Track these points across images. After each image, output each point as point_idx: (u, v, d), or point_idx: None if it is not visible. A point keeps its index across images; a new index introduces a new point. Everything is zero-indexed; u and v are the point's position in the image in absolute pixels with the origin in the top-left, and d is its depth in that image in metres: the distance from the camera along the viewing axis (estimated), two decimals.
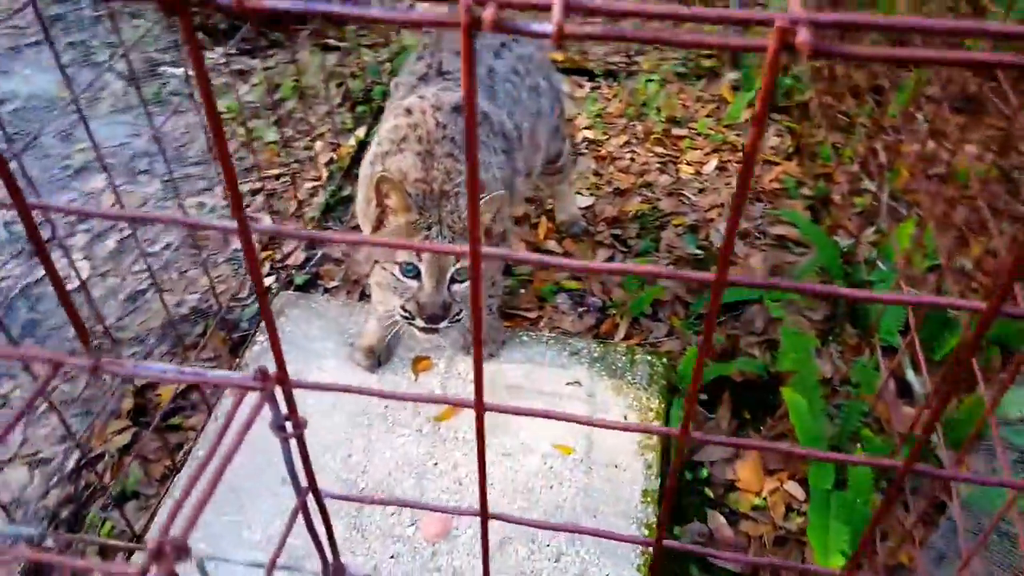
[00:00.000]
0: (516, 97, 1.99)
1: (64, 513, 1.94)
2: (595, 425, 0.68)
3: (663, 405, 2.02)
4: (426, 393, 2.03)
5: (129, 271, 2.56)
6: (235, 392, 0.61)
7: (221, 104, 3.26)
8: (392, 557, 1.71)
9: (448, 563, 1.70)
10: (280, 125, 3.13)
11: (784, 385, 1.93)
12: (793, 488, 1.90)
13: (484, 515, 0.78)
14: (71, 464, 2.05)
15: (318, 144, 3.00)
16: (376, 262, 1.72)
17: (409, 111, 1.81)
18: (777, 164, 2.91)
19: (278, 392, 0.66)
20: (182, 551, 0.52)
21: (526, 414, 0.69)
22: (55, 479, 2.01)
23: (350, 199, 2.76)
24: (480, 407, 0.69)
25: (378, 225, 1.70)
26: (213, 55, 3.57)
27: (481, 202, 1.64)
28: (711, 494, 1.92)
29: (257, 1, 0.40)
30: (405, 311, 1.70)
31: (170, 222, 0.56)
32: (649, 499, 1.82)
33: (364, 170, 1.88)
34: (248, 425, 0.59)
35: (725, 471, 1.97)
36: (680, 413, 2.02)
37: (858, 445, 1.84)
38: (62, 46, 3.61)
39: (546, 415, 0.71)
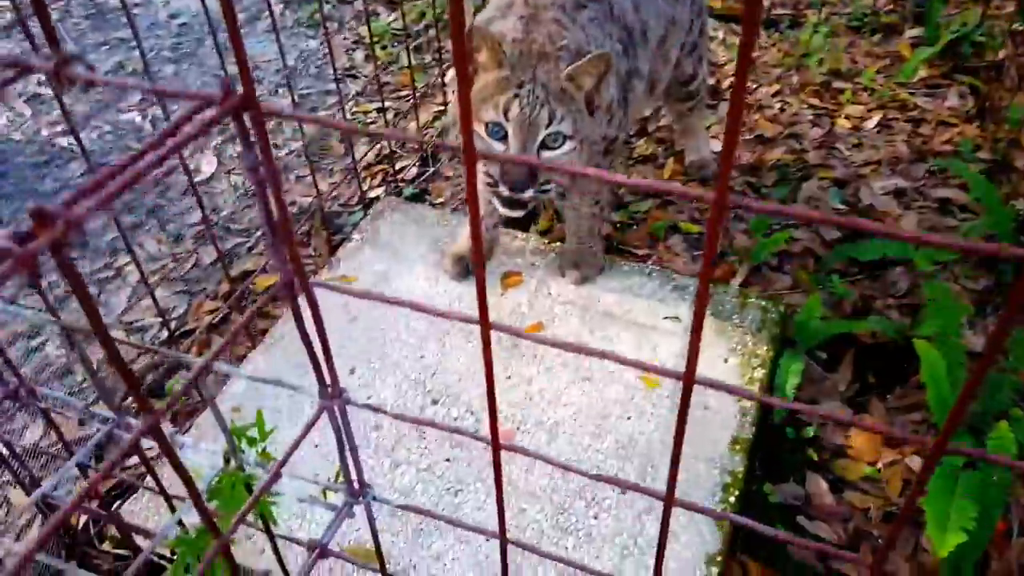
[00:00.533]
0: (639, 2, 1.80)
1: (148, 378, 1.99)
2: (587, 353, 0.53)
3: (771, 354, 1.78)
4: (507, 318, 1.91)
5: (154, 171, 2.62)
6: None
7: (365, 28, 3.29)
8: (447, 460, 1.60)
9: (504, 472, 1.57)
10: (419, 51, 3.12)
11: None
12: (916, 463, 1.61)
13: (496, 447, 0.66)
14: (164, 335, 2.11)
15: (450, 72, 2.95)
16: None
17: None
18: (954, 125, 2.53)
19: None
20: (74, 222, 0.43)
21: (530, 339, 0.56)
22: (153, 342, 2.07)
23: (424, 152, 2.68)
24: (486, 326, 0.58)
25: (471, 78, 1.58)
26: None
27: (582, 60, 1.49)
28: (815, 456, 1.67)
29: None
30: (489, 176, 1.59)
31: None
32: (739, 447, 1.59)
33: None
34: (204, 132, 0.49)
35: (836, 435, 1.71)
36: (792, 365, 1.77)
37: (1004, 423, 1.53)
38: None
39: (551, 343, 0.58)
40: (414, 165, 2.55)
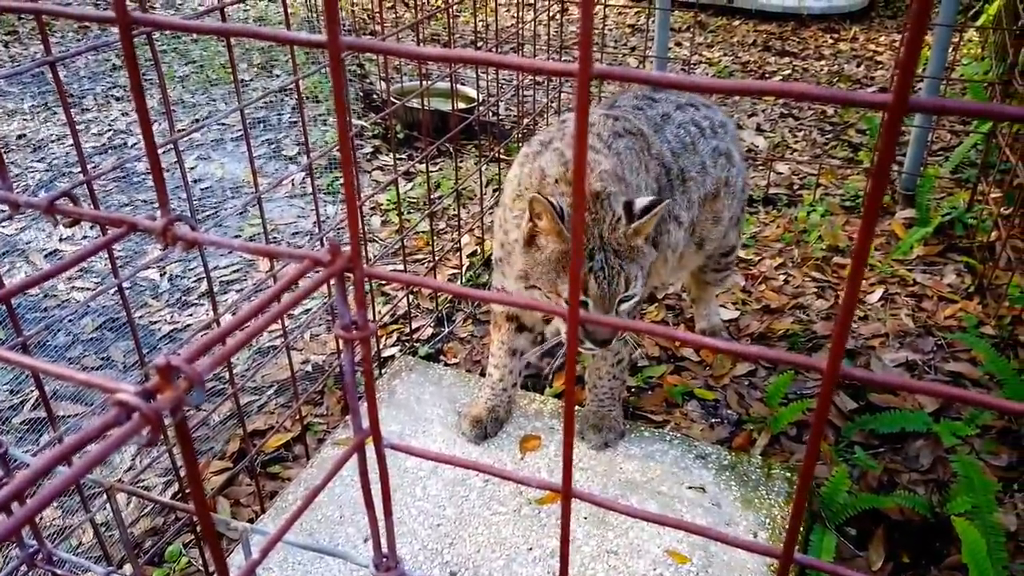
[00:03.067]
0: (689, 145, 1.90)
1: (148, 543, 1.88)
2: (690, 530, 0.53)
3: (803, 528, 1.72)
4: (524, 473, 1.86)
5: (267, 328, 2.63)
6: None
7: (383, 196, 3.44)
8: None
9: None
10: (433, 218, 3.24)
11: (957, 522, 1.60)
12: None
13: None
14: (167, 496, 2.02)
15: (465, 237, 3.06)
16: (533, 286, 1.60)
17: (563, 120, 1.79)
18: (955, 302, 2.61)
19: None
20: (195, 380, 0.43)
21: (617, 510, 0.58)
22: (148, 508, 1.98)
23: (485, 286, 2.74)
24: (568, 492, 0.59)
25: (530, 240, 1.60)
26: (386, 158, 3.83)
27: (646, 217, 1.53)
28: None
29: None
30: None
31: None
32: None
33: (513, 170, 1.79)
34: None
35: None
36: (824, 542, 1.71)
37: None
38: (259, 142, 4.01)
39: (643, 516, 0.58)
40: (429, 325, 2.57)
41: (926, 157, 3.22)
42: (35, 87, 4.72)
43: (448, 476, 1.85)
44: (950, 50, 3.05)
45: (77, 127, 4.06)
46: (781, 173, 3.58)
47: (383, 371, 2.31)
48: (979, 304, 2.58)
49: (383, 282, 2.88)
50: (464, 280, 2.79)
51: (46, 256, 3.05)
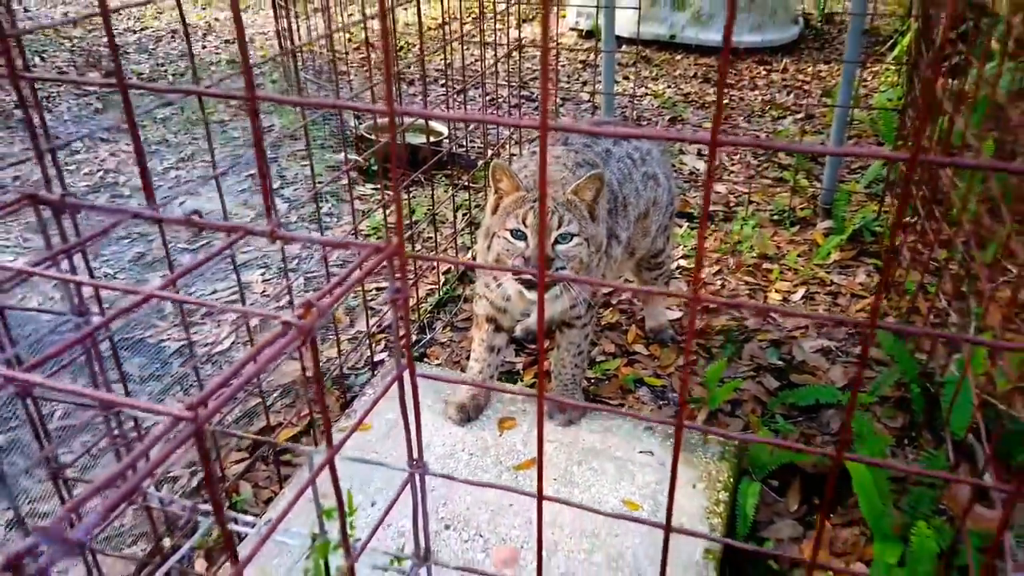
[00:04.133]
0: (627, 174, 2.30)
1: (180, 523, 2.19)
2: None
3: (731, 481, 2.10)
4: (504, 455, 2.22)
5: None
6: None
7: (364, 224, 3.79)
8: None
9: None
10: (411, 240, 3.60)
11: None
12: (861, 569, 1.90)
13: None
14: (194, 483, 2.33)
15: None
16: (494, 234, 2.00)
17: (532, 151, 2.19)
18: (864, 297, 3.04)
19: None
20: (322, 311, 0.78)
21: (574, 506, 0.94)
22: (179, 494, 2.29)
23: (459, 298, 3.10)
24: (540, 495, 0.96)
25: (496, 206, 2.01)
26: (365, 188, 4.18)
27: (582, 179, 1.94)
28: (775, 565, 1.94)
29: None
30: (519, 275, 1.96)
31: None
32: (711, 557, 1.87)
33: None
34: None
35: (792, 550, 1.99)
36: (749, 490, 2.09)
37: (923, 522, 1.85)
38: (243, 177, 4.34)
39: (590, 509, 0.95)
40: (414, 333, 2.92)
41: (844, 175, 3.68)
42: (20, 131, 4.99)
43: (439, 451, 2.20)
44: (872, 78, 3.53)
45: (68, 168, 4.33)
46: (719, 192, 4.02)
47: (375, 372, 2.65)
48: (884, 299, 3.01)
49: (371, 299, 3.23)
50: (441, 293, 3.15)
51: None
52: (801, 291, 3.09)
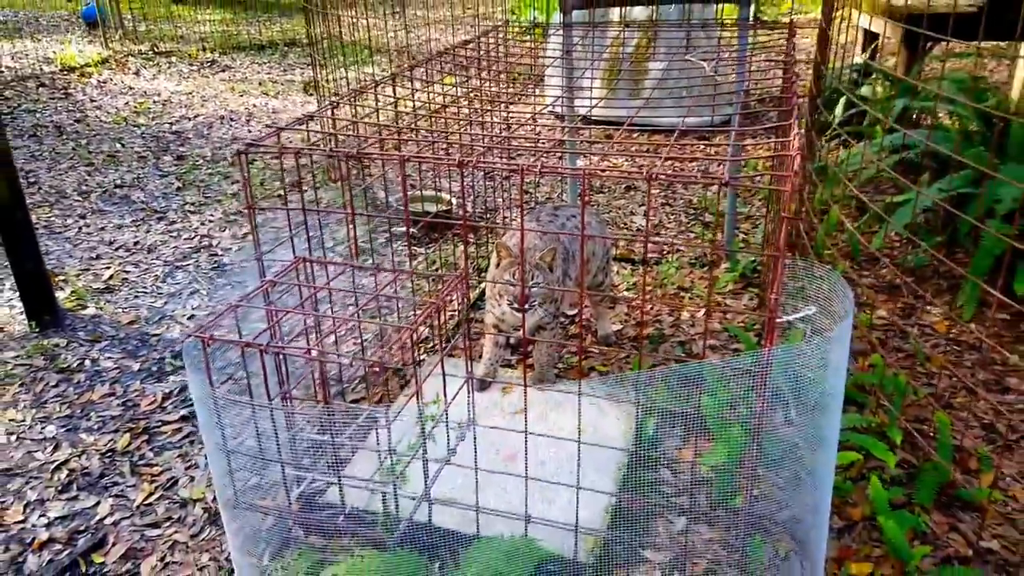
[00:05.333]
0: (575, 237, 3.78)
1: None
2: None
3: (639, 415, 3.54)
4: (506, 407, 3.65)
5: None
6: None
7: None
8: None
9: (513, 471, 3.22)
10: (435, 282, 5.06)
11: None
12: None
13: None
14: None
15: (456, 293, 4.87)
16: (497, 281, 3.43)
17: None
18: (744, 315, 4.52)
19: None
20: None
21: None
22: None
23: (473, 320, 4.56)
24: (526, 430, 2.42)
25: (498, 263, 3.43)
26: (395, 246, 5.67)
27: (546, 249, 3.39)
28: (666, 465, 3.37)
29: None
30: (511, 303, 3.39)
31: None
32: (623, 451, 3.29)
33: (494, 256, 3.64)
34: None
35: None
36: (649, 420, 3.52)
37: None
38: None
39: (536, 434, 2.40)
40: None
41: (748, 229, 5.16)
42: (126, 206, 6.47)
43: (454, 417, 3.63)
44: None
45: (171, 233, 5.79)
46: (657, 243, 5.52)
47: (420, 365, 4.09)
48: (759, 315, 4.49)
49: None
50: (461, 317, 4.60)
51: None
52: (703, 311, 4.57)
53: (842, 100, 6.69)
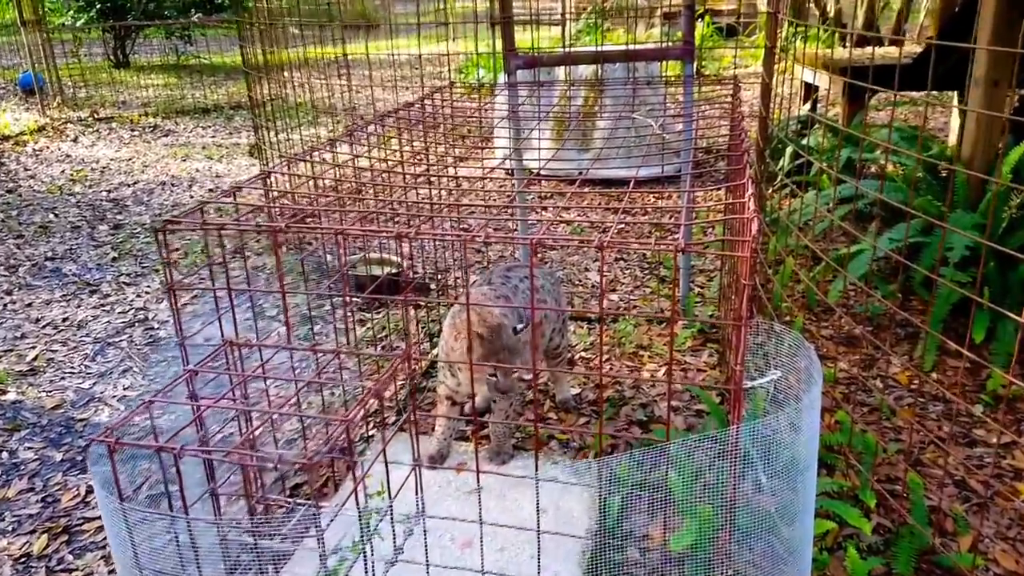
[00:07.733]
0: (526, 299, 3.61)
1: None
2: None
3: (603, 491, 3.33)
4: (460, 486, 3.42)
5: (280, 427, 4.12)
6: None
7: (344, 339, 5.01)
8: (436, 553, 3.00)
9: (469, 560, 2.98)
10: (384, 350, 4.84)
11: None
12: None
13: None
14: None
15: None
16: (453, 349, 3.22)
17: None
18: (706, 371, 4.39)
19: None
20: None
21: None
22: None
23: (424, 388, 4.33)
24: (480, 520, 2.23)
25: (455, 336, 3.22)
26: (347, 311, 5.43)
27: (519, 334, 3.19)
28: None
29: None
30: (492, 381, 3.17)
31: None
32: (587, 533, 3.08)
33: (447, 319, 3.43)
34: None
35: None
36: (615, 501, 3.32)
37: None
38: (243, 308, 5.55)
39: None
40: (393, 414, 4.12)
41: (703, 283, 5.08)
42: (56, 280, 6.14)
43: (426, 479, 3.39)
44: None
45: (104, 307, 5.47)
46: (612, 300, 5.40)
47: (368, 442, 3.83)
48: (720, 372, 4.36)
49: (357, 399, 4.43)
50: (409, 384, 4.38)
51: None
52: (663, 369, 4.43)
53: (788, 151, 6.75)
